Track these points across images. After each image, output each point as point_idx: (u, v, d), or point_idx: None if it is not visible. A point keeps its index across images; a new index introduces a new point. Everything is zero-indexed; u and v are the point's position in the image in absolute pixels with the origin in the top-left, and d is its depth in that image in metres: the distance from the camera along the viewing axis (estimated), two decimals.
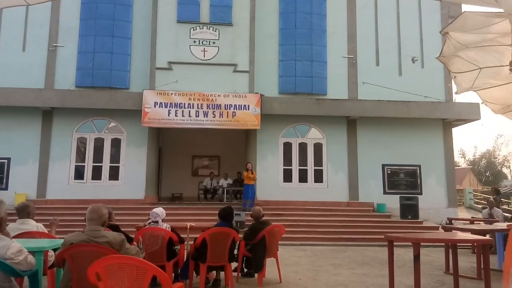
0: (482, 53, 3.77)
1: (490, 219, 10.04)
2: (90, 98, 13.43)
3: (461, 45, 3.65)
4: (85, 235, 3.30)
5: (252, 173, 12.86)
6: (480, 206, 19.77)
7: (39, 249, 3.81)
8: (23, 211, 4.72)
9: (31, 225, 4.72)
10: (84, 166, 13.79)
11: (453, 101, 15.12)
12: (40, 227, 4.80)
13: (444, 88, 14.90)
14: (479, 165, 50.79)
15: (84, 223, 3.44)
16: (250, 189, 12.78)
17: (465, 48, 3.72)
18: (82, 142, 13.95)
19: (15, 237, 4.06)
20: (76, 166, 13.75)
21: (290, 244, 10.08)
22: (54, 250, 4.18)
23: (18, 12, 13.81)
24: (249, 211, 11.55)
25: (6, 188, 13.25)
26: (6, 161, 13.43)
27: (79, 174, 13.72)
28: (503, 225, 7.88)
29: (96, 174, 13.76)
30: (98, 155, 13.87)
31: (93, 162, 13.82)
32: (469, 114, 14.50)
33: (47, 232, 4.87)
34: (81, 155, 13.90)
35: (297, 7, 14.96)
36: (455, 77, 4.21)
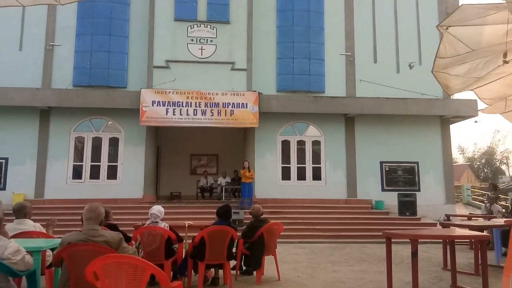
0: (474, 53, 3.79)
1: (488, 215, 10.07)
2: (87, 97, 13.40)
3: (457, 40, 3.67)
4: (83, 235, 3.30)
5: (249, 171, 12.87)
6: (477, 202, 19.84)
7: (36, 249, 3.81)
8: (20, 211, 4.71)
9: (29, 225, 4.70)
10: (82, 165, 13.76)
11: (451, 98, 15.13)
12: (37, 226, 4.78)
13: None
14: (478, 162, 50.91)
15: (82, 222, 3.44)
16: (247, 187, 12.79)
17: (459, 44, 3.74)
18: (80, 142, 13.93)
19: (12, 237, 4.06)
20: (74, 165, 13.73)
21: (288, 242, 10.08)
22: (52, 249, 4.18)
23: (14, 11, 13.76)
24: (247, 209, 11.58)
25: (4, 188, 13.22)
26: (3, 161, 13.39)
27: (77, 173, 13.70)
28: (500, 221, 7.91)
29: (94, 173, 13.74)
30: (96, 155, 13.85)
31: (91, 161, 13.80)
32: (467, 111, 14.51)
33: (45, 231, 4.85)
34: (79, 154, 13.87)
35: (295, 4, 14.95)
36: (450, 94, 4.28)
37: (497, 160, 49.64)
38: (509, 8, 2.98)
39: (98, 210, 3.43)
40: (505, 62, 3.55)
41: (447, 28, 3.60)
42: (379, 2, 15.44)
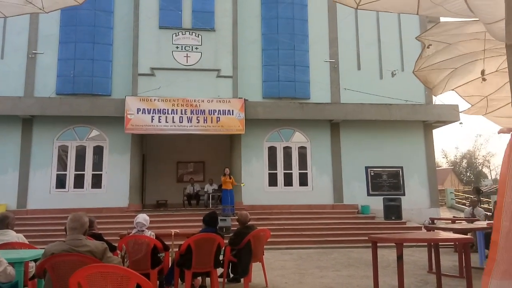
0: (455, 55, 3.93)
1: (472, 218, 10.26)
2: (71, 106, 13.23)
3: (435, 40, 3.82)
4: (67, 245, 3.25)
5: (230, 178, 12.85)
6: (461, 205, 20.17)
7: (19, 260, 3.74)
8: (2, 222, 4.62)
9: (11, 236, 4.61)
10: (66, 174, 13.54)
11: (433, 103, 15.43)
12: (20, 237, 4.71)
13: (424, 91, 15.18)
14: (460, 166, 51.78)
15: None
16: (229, 194, 12.76)
17: (441, 48, 3.88)
18: (63, 150, 13.71)
19: None
20: (57, 174, 13.50)
21: (276, 248, 10.08)
22: (35, 260, 4.10)
23: None
24: (233, 215, 11.56)
25: None
26: None
27: (60, 183, 13.47)
28: (483, 224, 8.06)
29: (78, 182, 13.52)
30: (80, 163, 13.64)
31: (75, 170, 13.58)
32: (449, 115, 14.81)
33: (27, 242, 4.77)
34: (62, 163, 13.65)
35: (279, 12, 15.08)
36: (431, 88, 4.38)
37: (479, 163, 50.58)
38: (486, 29, 3.08)
39: (81, 220, 3.38)
40: (484, 79, 3.69)
41: (428, 47, 3.75)
42: (362, 11, 15.66)
